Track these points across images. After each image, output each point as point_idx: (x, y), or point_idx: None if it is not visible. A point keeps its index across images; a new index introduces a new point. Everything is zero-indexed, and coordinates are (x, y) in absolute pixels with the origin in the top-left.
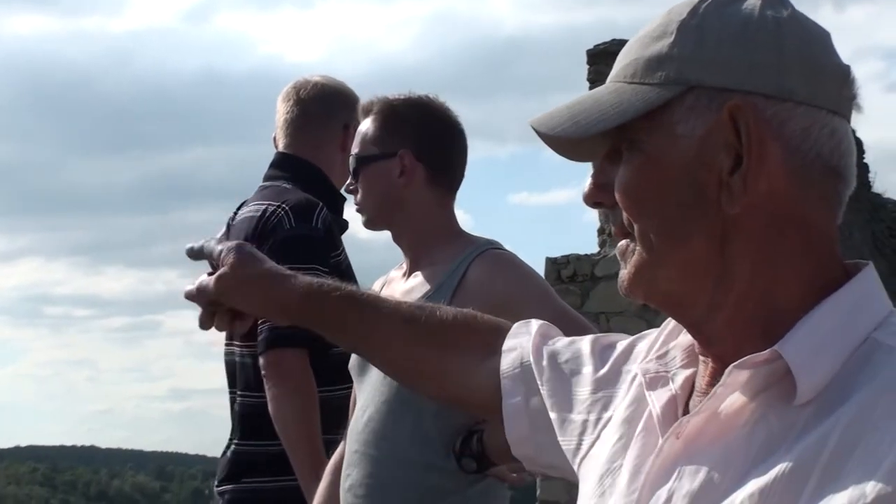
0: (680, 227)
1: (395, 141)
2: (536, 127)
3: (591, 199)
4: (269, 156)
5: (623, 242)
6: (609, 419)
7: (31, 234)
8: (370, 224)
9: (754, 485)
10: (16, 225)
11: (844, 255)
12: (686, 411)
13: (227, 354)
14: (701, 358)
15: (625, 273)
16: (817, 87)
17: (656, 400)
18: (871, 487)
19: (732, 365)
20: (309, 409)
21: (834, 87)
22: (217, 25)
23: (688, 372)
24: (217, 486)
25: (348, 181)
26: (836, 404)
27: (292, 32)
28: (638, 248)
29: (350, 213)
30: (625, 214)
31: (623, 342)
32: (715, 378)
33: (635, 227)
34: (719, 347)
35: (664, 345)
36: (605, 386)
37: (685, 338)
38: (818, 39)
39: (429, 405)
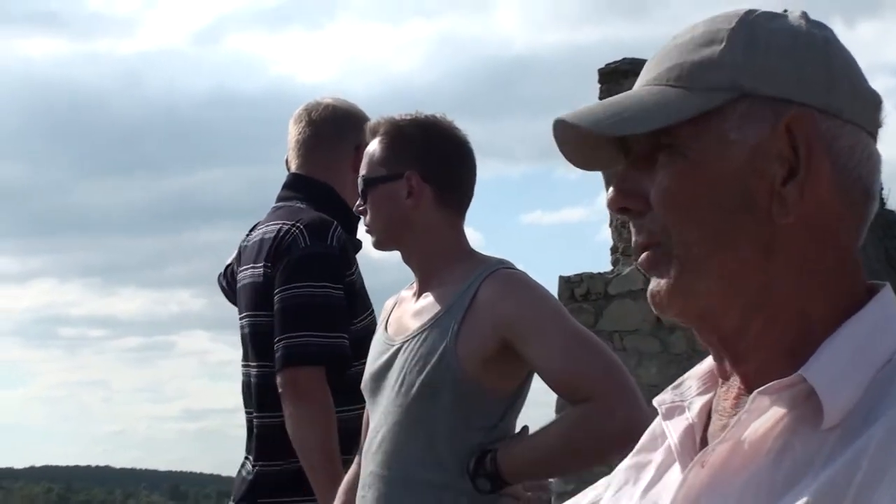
0: (726, 235)
1: (401, 162)
2: (574, 120)
3: (618, 204)
4: (280, 176)
5: (648, 253)
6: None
7: (43, 256)
8: (379, 245)
9: None
10: (28, 247)
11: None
12: (703, 438)
13: (244, 375)
14: (721, 381)
15: (662, 283)
16: (859, 107)
17: (673, 430)
18: None
19: (757, 391)
20: (327, 427)
21: (871, 110)
22: (227, 47)
23: (704, 399)
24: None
25: (357, 202)
26: (863, 428)
27: (302, 54)
28: (678, 257)
29: (363, 232)
30: (659, 222)
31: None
32: (740, 399)
33: (675, 234)
34: (745, 365)
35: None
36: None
37: (700, 367)
38: (855, 63)
39: (441, 425)
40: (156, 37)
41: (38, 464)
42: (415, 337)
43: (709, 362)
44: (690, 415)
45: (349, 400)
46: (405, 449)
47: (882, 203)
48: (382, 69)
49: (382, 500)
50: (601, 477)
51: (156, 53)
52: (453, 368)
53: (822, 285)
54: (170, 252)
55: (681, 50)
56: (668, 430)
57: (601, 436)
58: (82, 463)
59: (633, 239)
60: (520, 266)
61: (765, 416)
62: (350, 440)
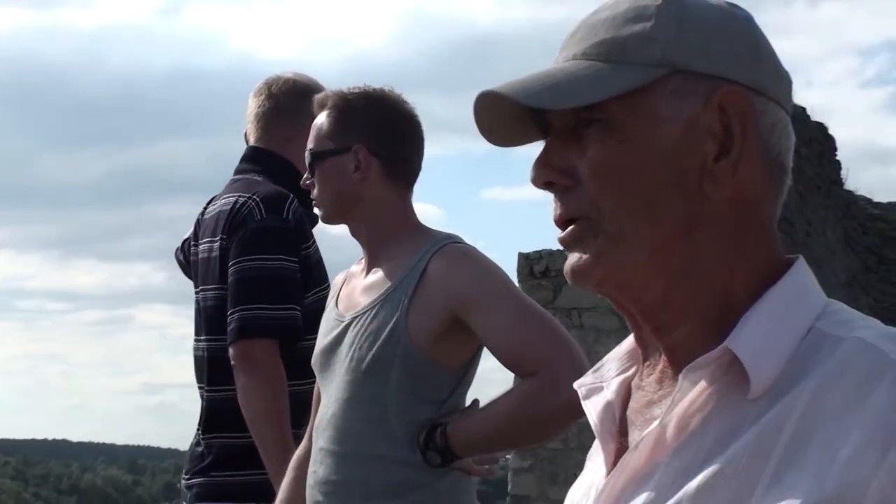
0: (657, 209)
1: (349, 135)
2: (508, 92)
3: (544, 178)
4: (240, 150)
5: (574, 228)
6: None
7: (2, 228)
8: (327, 219)
9: (710, 473)
10: None
11: (817, 253)
12: (623, 416)
13: (196, 350)
14: (642, 359)
15: (584, 258)
16: (779, 86)
17: (592, 409)
18: (829, 478)
19: (686, 368)
20: (279, 400)
21: (787, 88)
22: (189, 20)
23: (622, 378)
24: (185, 480)
25: (304, 176)
26: (788, 394)
27: (265, 28)
28: (606, 230)
29: None
30: (588, 197)
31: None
32: (665, 373)
33: (606, 208)
34: (668, 338)
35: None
36: None
37: (618, 349)
38: (770, 43)
39: (392, 400)
40: (117, 9)
41: None
42: (365, 312)
43: (627, 345)
44: (608, 392)
45: (300, 373)
46: (356, 425)
47: (840, 184)
48: (347, 44)
49: (335, 475)
50: (555, 452)
51: (117, 27)
52: (404, 343)
53: (745, 258)
54: (129, 225)
55: (607, 25)
56: (587, 409)
57: (548, 408)
58: (39, 436)
59: (556, 213)
60: (480, 243)
61: (693, 391)
62: (301, 414)
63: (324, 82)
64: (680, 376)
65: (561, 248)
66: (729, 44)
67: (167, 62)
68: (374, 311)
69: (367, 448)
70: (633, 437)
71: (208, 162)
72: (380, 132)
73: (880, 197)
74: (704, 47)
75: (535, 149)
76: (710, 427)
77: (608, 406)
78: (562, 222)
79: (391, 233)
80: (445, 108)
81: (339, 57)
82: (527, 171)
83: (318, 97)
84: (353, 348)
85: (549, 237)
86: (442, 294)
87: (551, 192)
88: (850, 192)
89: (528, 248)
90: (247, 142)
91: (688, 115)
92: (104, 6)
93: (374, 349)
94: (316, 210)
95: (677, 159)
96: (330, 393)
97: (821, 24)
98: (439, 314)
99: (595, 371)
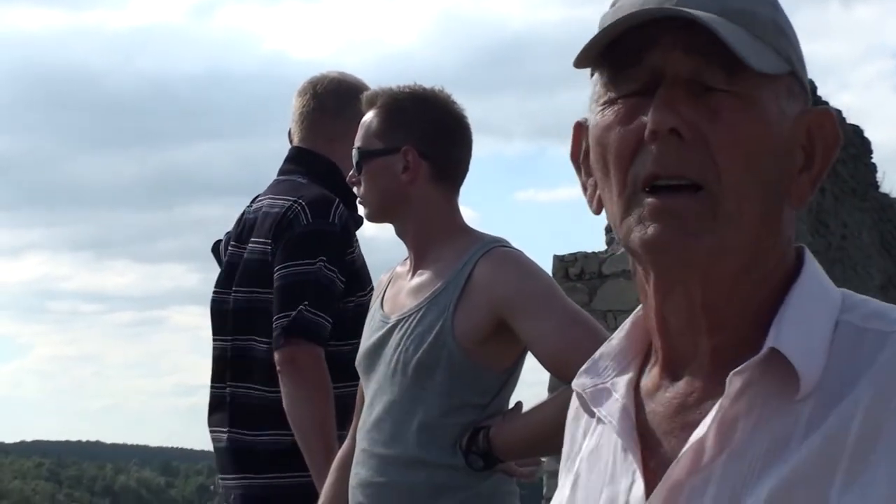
0: (768, 197)
1: (398, 136)
2: (717, 28)
3: (672, 123)
4: (273, 151)
5: (697, 197)
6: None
7: (36, 229)
8: (372, 218)
9: (780, 480)
10: (20, 220)
11: (853, 256)
12: (639, 420)
13: (218, 349)
14: (653, 360)
15: (700, 235)
16: None
17: (609, 415)
18: None
19: (733, 373)
20: (325, 405)
21: None
22: (221, 21)
23: (626, 378)
24: (225, 480)
25: (351, 173)
26: (841, 393)
27: (298, 28)
28: (725, 208)
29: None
30: (710, 162)
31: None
32: (663, 376)
33: (729, 180)
34: (721, 336)
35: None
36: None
37: (611, 347)
38: None
39: (436, 403)
40: (149, 11)
41: (29, 438)
42: (411, 315)
43: (620, 343)
44: (618, 396)
45: (343, 376)
46: (399, 427)
47: (876, 186)
48: (380, 45)
49: (377, 477)
50: None
51: (149, 28)
52: (449, 346)
53: (778, 259)
54: (162, 226)
55: None
56: (603, 415)
57: None
58: (73, 438)
59: (659, 169)
60: (514, 244)
61: (738, 396)
62: (343, 416)
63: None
64: (727, 381)
65: (595, 251)
66: (802, 59)
67: (199, 64)
68: (420, 314)
69: (410, 451)
70: (668, 444)
71: (240, 163)
72: (429, 133)
73: None
74: (801, 58)
75: (565, 150)
76: (761, 433)
77: (625, 411)
78: (669, 176)
79: (437, 234)
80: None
81: (372, 58)
82: (560, 172)
83: (367, 94)
84: (398, 350)
85: (583, 239)
86: (487, 298)
87: (661, 143)
88: (885, 196)
89: (563, 251)
90: (291, 141)
91: (792, 119)
92: (136, 7)
93: (420, 352)
94: (361, 208)
95: (786, 157)
96: (374, 395)
97: (855, 25)
98: (485, 318)
99: (589, 370)
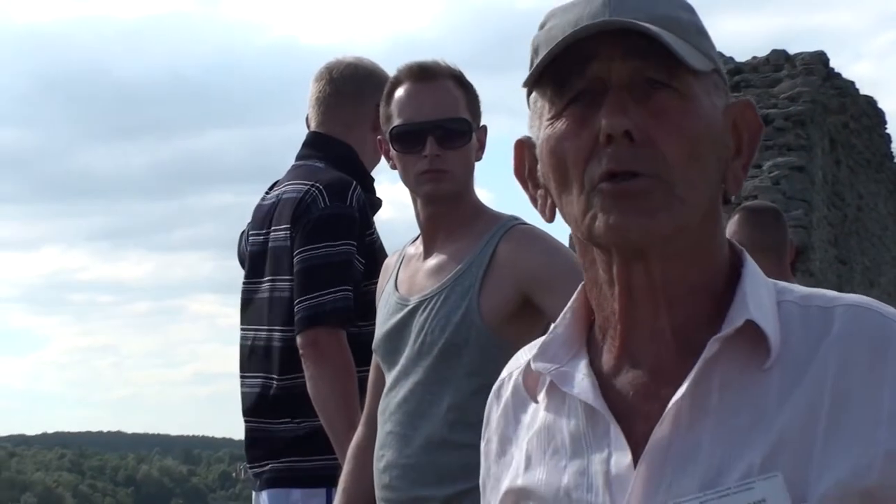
0: (711, 182)
1: (476, 114)
2: (655, 33)
3: (625, 126)
4: (286, 137)
5: (645, 180)
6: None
7: (50, 222)
8: (450, 197)
9: (770, 443)
10: (34, 212)
11: (870, 228)
12: (607, 398)
13: (257, 339)
14: (602, 340)
15: (655, 214)
16: None
17: (583, 393)
18: (880, 435)
19: (713, 338)
20: (349, 387)
21: None
22: (229, 8)
23: (582, 361)
24: (253, 467)
25: (430, 147)
26: (805, 362)
27: (306, 13)
28: (677, 192)
29: (380, 193)
30: (659, 155)
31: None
32: (621, 356)
33: (679, 170)
34: (681, 311)
35: (527, 368)
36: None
37: (559, 334)
38: None
39: (464, 384)
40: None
41: (51, 430)
42: (434, 296)
43: (563, 329)
44: (583, 377)
45: (366, 359)
46: (428, 408)
47: (891, 157)
48: (390, 28)
49: (405, 458)
50: None
51: (158, 17)
52: (477, 326)
53: (719, 244)
54: (175, 216)
55: (664, 4)
56: (576, 393)
57: None
58: (94, 429)
59: (614, 165)
60: (531, 222)
61: (711, 364)
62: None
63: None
64: (707, 345)
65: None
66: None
67: (208, 52)
68: (443, 295)
69: (439, 431)
70: (642, 416)
71: (253, 150)
72: (479, 110)
73: None
74: (716, 54)
75: None
76: (737, 400)
77: (596, 389)
78: (624, 173)
79: (461, 214)
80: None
81: (382, 42)
82: None
83: (441, 64)
84: (423, 332)
85: None
86: (512, 276)
87: (613, 144)
88: None
89: None
90: (308, 126)
91: (721, 112)
92: None
93: (448, 333)
94: (435, 184)
95: (721, 146)
96: (397, 377)
97: None
98: (510, 296)
99: (541, 357)
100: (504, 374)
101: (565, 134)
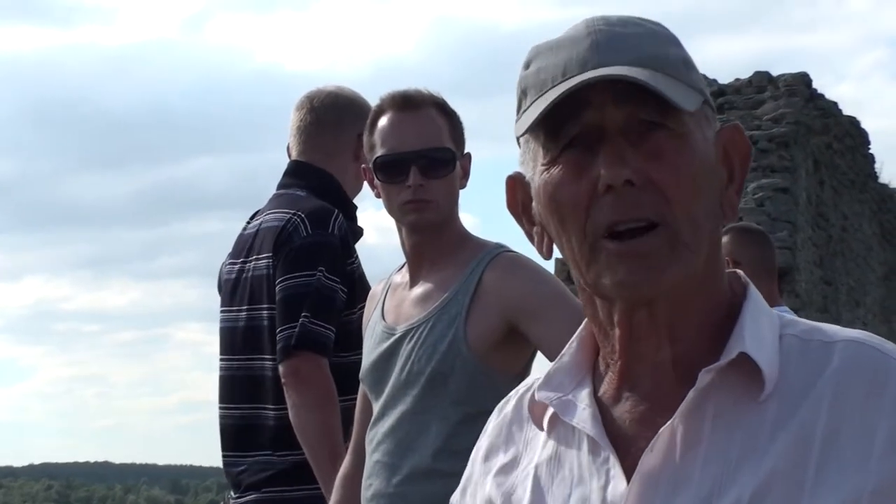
0: (712, 219)
1: (460, 143)
2: (634, 78)
3: (626, 177)
4: (270, 164)
5: (658, 235)
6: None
7: (33, 251)
8: (434, 227)
9: (763, 474)
10: (18, 242)
11: (854, 248)
12: (606, 426)
13: (248, 369)
14: (607, 371)
15: (668, 269)
16: None
17: (582, 423)
18: (872, 469)
19: (704, 370)
20: (331, 416)
21: None
22: (213, 35)
23: (585, 390)
24: (235, 499)
25: (413, 178)
26: (800, 395)
27: (290, 40)
28: (683, 239)
29: (365, 219)
30: (662, 199)
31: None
32: (621, 387)
33: (682, 213)
34: (680, 345)
35: (524, 397)
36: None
37: (564, 363)
38: None
39: (451, 412)
40: (139, 26)
41: (37, 461)
42: (420, 325)
43: (572, 359)
44: (584, 406)
45: (348, 388)
46: (414, 437)
47: (875, 177)
48: (373, 54)
49: (390, 488)
50: None
51: (140, 44)
52: (464, 355)
53: (721, 276)
54: (159, 243)
55: (653, 40)
56: (575, 422)
57: None
58: (81, 459)
59: (618, 216)
60: (516, 249)
61: (705, 395)
62: (348, 428)
63: (354, 88)
64: (699, 377)
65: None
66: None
67: (192, 78)
68: (430, 323)
69: (425, 461)
70: (639, 444)
71: (237, 177)
72: (463, 139)
73: None
74: (703, 84)
75: None
76: (729, 431)
77: (595, 418)
78: (633, 220)
79: (445, 242)
80: (477, 113)
81: (367, 67)
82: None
83: (424, 93)
84: (410, 361)
85: None
86: (498, 304)
87: (614, 193)
88: (885, 186)
89: None
90: (289, 155)
91: (713, 141)
92: (126, 23)
93: (434, 362)
94: (419, 214)
95: (716, 177)
96: (384, 406)
97: (851, 14)
98: (496, 324)
99: (547, 386)
100: (513, 391)
101: (563, 181)
